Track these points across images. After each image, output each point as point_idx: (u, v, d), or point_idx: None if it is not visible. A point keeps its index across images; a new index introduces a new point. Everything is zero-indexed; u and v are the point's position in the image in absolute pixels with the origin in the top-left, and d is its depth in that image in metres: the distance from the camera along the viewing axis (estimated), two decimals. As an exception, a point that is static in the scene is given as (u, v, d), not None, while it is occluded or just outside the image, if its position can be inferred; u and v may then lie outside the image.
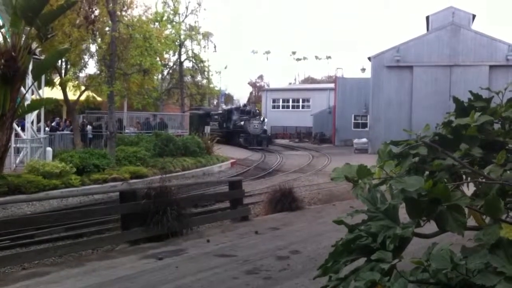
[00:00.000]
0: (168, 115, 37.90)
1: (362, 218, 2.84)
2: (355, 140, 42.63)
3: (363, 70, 51.48)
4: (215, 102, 70.11)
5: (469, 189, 3.09)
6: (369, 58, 44.01)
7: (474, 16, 44.37)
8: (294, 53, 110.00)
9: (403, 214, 2.72)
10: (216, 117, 54.98)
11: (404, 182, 2.33)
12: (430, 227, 2.81)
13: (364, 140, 41.85)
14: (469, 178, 2.78)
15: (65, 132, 28.26)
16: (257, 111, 55.96)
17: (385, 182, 2.57)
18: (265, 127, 52.19)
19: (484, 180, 2.64)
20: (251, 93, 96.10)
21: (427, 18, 45.14)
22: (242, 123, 49.43)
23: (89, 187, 19.10)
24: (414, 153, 2.56)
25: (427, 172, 2.73)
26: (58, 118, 31.41)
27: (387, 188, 2.90)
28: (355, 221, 2.86)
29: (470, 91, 3.00)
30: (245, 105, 56.28)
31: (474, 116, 2.72)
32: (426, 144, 2.57)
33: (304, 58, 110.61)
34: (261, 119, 52.58)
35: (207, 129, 40.63)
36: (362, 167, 2.57)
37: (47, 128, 27.61)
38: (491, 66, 38.57)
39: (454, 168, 2.44)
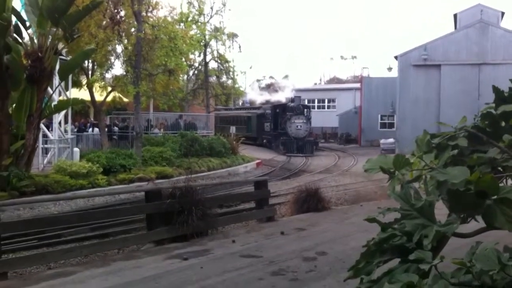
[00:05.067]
0: (194, 115, 37.94)
1: (394, 217, 2.69)
2: (382, 140, 42.04)
3: (390, 69, 50.88)
4: (240, 103, 69.99)
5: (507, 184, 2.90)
6: (395, 57, 43.45)
7: (503, 13, 43.50)
8: (319, 53, 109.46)
9: (437, 211, 2.56)
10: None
11: (447, 173, 2.16)
12: (465, 226, 2.65)
13: (391, 140, 41.27)
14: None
15: (91, 132, 28.50)
16: (303, 107, 43.96)
17: (423, 173, 2.39)
18: (309, 128, 41.73)
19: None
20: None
21: (455, 16, 44.39)
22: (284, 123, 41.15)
23: (115, 187, 19.17)
24: (453, 145, 2.39)
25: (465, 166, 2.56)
26: (83, 120, 31.71)
27: (420, 185, 2.74)
28: (387, 220, 2.70)
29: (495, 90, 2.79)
30: (292, 100, 44.72)
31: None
32: (470, 133, 2.40)
33: (330, 58, 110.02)
34: (307, 117, 42.18)
35: (232, 129, 39.05)
36: (399, 157, 2.40)
37: (74, 129, 27.89)
38: (521, 64, 37.69)
39: (496, 162, 2.26)
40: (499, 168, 2.67)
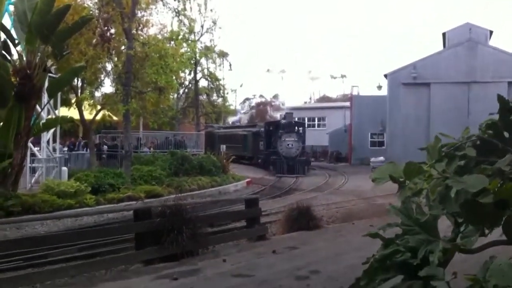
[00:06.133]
0: (183, 134, 37.78)
1: (394, 233, 2.56)
2: (372, 159, 41.93)
3: (380, 87, 51.13)
4: (230, 122, 69.97)
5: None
6: (385, 76, 43.76)
7: (491, 32, 43.98)
8: (309, 72, 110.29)
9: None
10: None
11: (463, 182, 2.03)
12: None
13: (381, 158, 41.19)
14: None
15: (80, 151, 28.28)
16: (295, 124, 40.71)
17: (436, 183, 2.25)
18: (301, 147, 38.65)
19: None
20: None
21: (444, 34, 44.82)
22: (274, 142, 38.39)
23: (104, 207, 18.91)
24: (460, 155, 2.26)
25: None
26: (73, 139, 31.48)
27: (421, 200, 2.61)
28: (386, 236, 2.58)
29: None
30: (284, 117, 42.10)
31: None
32: (481, 140, 2.27)
33: (319, 77, 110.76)
34: (299, 134, 39.38)
35: (222, 147, 37.42)
36: (410, 165, 2.26)
37: (64, 148, 27.66)
38: (509, 82, 37.95)
39: (505, 173, 2.14)
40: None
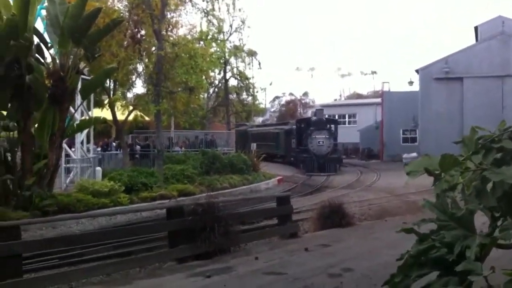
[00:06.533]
0: (214, 133, 37.94)
1: (429, 229, 2.53)
2: (405, 155, 41.34)
3: (411, 83, 50.26)
4: (260, 120, 70.06)
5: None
6: (417, 71, 43.18)
7: (525, 25, 42.99)
8: (339, 69, 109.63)
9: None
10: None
11: (503, 174, 1.98)
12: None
13: (414, 154, 40.61)
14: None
15: (113, 152, 28.67)
16: (327, 121, 39.65)
17: (473, 175, 2.21)
18: (333, 144, 37.46)
19: None
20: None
21: (476, 28, 44.03)
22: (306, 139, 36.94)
23: (137, 205, 19.13)
24: (497, 148, 2.22)
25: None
26: (106, 139, 31.95)
27: (456, 195, 2.57)
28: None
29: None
30: (315, 114, 40.72)
31: None
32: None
33: (349, 74, 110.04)
34: (330, 131, 38.14)
35: (253, 146, 37.15)
36: (446, 157, 2.22)
37: (98, 149, 28.09)
38: (544, 76, 37.08)
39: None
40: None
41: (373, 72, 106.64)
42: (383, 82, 55.61)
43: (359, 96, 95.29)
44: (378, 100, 57.30)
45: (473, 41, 44.33)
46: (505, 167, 2.06)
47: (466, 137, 2.38)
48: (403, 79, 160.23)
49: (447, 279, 2.16)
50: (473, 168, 2.15)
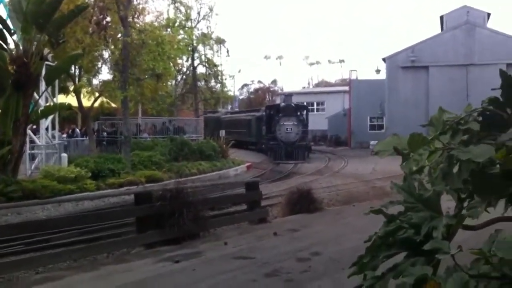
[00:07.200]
0: (183, 120, 37.74)
1: (397, 211, 2.57)
2: (372, 142, 41.90)
3: (378, 71, 50.83)
4: (229, 107, 69.91)
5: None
6: (383, 59, 43.65)
7: (489, 14, 43.83)
8: (307, 57, 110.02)
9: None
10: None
11: (469, 152, 2.01)
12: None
13: (381, 141, 41.10)
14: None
15: (79, 138, 28.28)
16: (296, 108, 38.45)
17: (441, 154, 2.24)
18: (302, 131, 36.65)
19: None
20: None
21: (441, 17, 44.66)
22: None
23: (104, 191, 18.92)
24: (463, 129, 2.25)
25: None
26: (72, 126, 31.44)
27: (422, 178, 2.61)
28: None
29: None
30: (284, 100, 39.57)
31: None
32: (484, 114, 2.25)
33: (317, 63, 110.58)
34: (299, 118, 37.28)
35: (222, 132, 36.79)
36: (415, 136, 2.24)
37: (63, 135, 27.66)
38: (508, 64, 37.77)
39: (509, 147, 2.13)
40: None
41: (341, 61, 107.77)
42: (351, 70, 56.09)
43: (327, 84, 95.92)
44: (346, 88, 57.75)
45: (439, 31, 44.96)
46: (473, 146, 2.09)
47: (433, 117, 2.41)
48: (371, 68, 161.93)
49: (414, 260, 2.20)
50: (441, 147, 2.18)
